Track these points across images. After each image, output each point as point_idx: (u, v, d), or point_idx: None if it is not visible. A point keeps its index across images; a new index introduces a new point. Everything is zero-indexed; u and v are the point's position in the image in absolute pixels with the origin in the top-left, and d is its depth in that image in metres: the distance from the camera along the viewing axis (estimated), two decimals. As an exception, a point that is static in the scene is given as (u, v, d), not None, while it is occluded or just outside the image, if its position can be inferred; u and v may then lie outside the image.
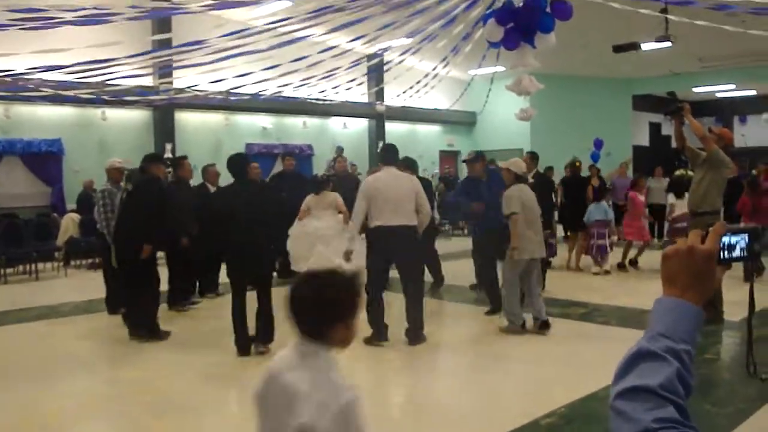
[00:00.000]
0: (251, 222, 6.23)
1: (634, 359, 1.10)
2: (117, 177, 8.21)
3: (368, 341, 6.58)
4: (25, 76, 9.92)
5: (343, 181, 10.30)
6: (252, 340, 6.37)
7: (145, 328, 6.97)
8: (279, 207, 6.75)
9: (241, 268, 6.37)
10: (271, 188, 9.56)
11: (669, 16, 10.61)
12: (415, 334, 6.65)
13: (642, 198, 11.38)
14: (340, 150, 16.09)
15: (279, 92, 12.82)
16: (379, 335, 6.59)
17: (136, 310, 7.11)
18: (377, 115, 19.19)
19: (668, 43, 12.16)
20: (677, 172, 13.42)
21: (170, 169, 9.70)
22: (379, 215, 6.47)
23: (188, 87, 12.68)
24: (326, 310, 1.90)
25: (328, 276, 1.97)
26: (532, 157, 9.76)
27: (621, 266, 10.76)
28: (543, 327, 7.01)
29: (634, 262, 10.88)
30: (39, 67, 9.24)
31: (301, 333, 1.93)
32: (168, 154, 14.12)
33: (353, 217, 6.73)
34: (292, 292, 1.94)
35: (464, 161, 8.95)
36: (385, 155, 6.93)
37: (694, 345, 1.12)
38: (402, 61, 13.80)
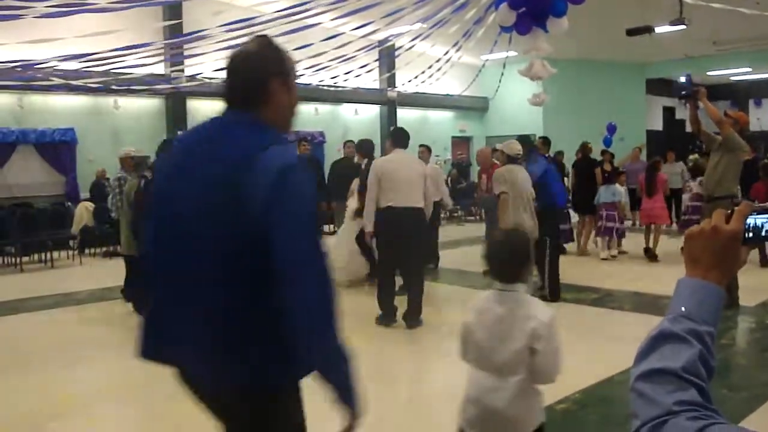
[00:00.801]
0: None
1: (656, 341, 1.08)
2: (130, 165, 8.31)
3: (378, 322, 6.76)
4: (39, 66, 9.96)
5: (349, 168, 10.29)
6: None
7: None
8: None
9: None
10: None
11: (683, -1, 10.50)
12: (413, 318, 6.71)
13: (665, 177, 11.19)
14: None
15: (302, 75, 12.76)
16: (387, 317, 6.70)
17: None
18: (389, 102, 19.13)
19: (683, 26, 12.03)
20: (691, 157, 13.32)
21: None
22: (388, 196, 6.50)
23: (198, 74, 12.69)
24: (518, 259, 2.69)
25: (512, 235, 2.83)
26: (544, 142, 9.76)
27: (647, 251, 10.42)
28: None
29: (649, 252, 10.44)
30: (55, 57, 9.28)
31: (501, 279, 2.69)
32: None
33: (367, 199, 6.77)
34: (490, 251, 2.80)
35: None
36: (396, 138, 6.93)
37: (716, 327, 1.11)
38: (413, 46, 13.74)
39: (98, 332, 7.08)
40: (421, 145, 9.67)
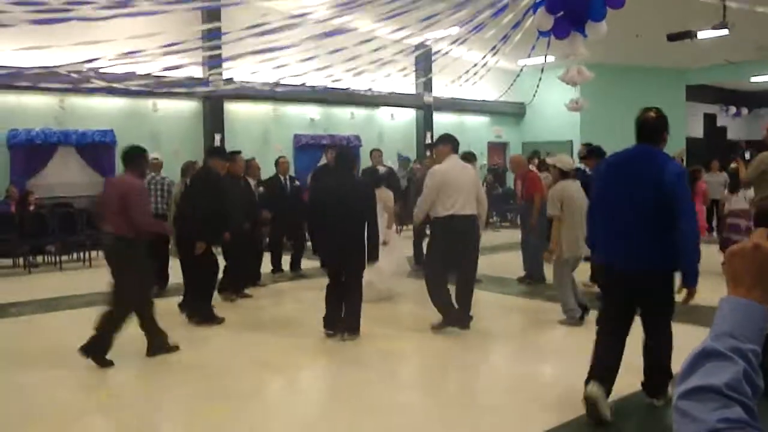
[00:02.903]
0: (347, 212, 6.38)
1: (699, 359, 1.06)
2: (156, 168, 9.14)
3: (436, 327, 6.68)
4: (81, 68, 10.14)
5: (374, 177, 10.28)
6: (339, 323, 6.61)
7: (199, 314, 7.17)
8: (371, 200, 6.71)
9: (335, 257, 6.53)
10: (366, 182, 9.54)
11: (727, 3, 10.29)
12: (465, 319, 6.71)
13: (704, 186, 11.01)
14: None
15: (338, 80, 12.77)
16: (452, 320, 6.64)
17: (193, 296, 7.35)
18: (425, 106, 19.10)
19: (725, 31, 11.80)
20: (732, 165, 13.06)
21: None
22: (451, 204, 6.47)
23: (232, 78, 12.81)
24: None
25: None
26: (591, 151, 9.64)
27: None
28: (585, 311, 7.02)
29: None
30: (92, 59, 9.45)
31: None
32: (216, 144, 14.32)
33: (420, 204, 6.72)
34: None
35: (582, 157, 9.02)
36: (454, 145, 6.86)
37: (761, 345, 1.08)
38: (450, 51, 13.71)
39: (135, 330, 7.14)
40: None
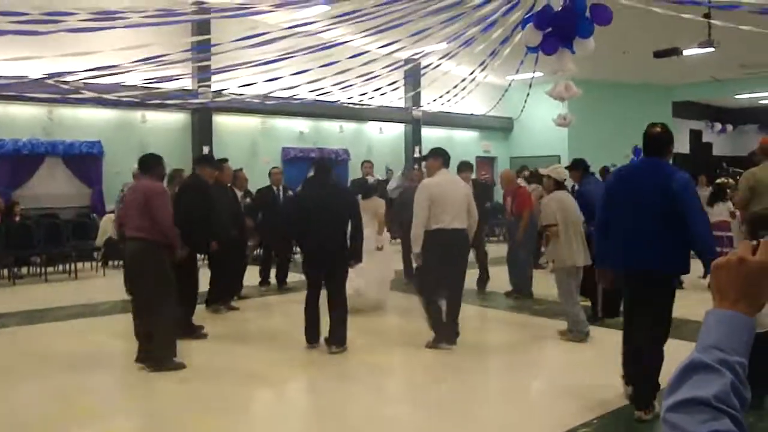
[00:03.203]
0: (329, 220, 6.43)
1: (686, 372, 1.07)
2: (137, 178, 8.84)
3: (430, 345, 6.61)
4: (69, 79, 10.12)
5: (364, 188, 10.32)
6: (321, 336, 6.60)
7: (180, 327, 6.98)
8: (351, 206, 6.79)
9: (317, 265, 6.55)
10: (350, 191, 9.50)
11: (713, 21, 10.40)
12: (455, 333, 6.69)
13: None
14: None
15: (325, 92, 12.81)
16: (444, 339, 6.60)
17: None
18: (413, 120, 19.16)
19: (711, 49, 11.93)
20: (718, 181, 13.19)
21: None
22: (440, 218, 6.46)
23: (224, 90, 12.83)
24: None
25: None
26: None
27: None
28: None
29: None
30: (85, 70, 9.43)
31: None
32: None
33: (416, 219, 6.59)
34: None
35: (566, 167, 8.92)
36: (444, 159, 6.82)
37: (747, 357, 1.09)
38: (439, 65, 13.77)
39: (120, 343, 7.11)
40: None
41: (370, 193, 8.77)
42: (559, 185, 7.02)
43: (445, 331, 6.62)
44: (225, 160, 9.19)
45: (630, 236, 4.65)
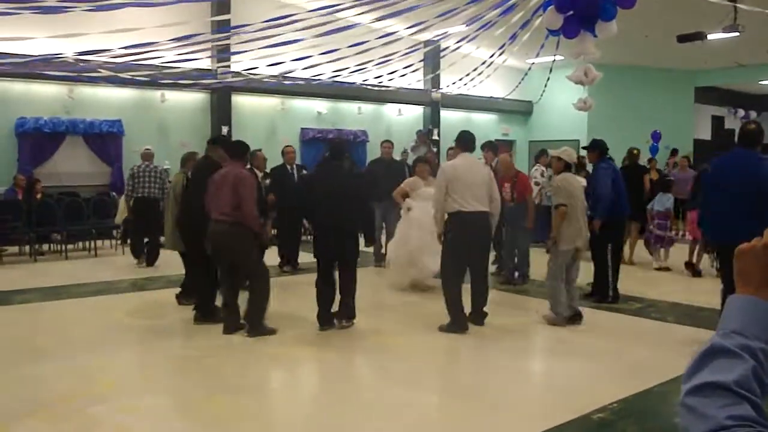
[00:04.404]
0: (340, 202, 6.46)
1: (706, 356, 1.06)
2: (149, 158, 10.57)
3: (443, 329, 6.62)
4: (90, 57, 10.15)
5: (390, 167, 10.29)
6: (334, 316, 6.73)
7: (200, 309, 6.98)
8: (362, 190, 6.86)
9: (326, 247, 6.60)
10: (362, 173, 9.46)
11: (739, 5, 10.24)
12: (480, 316, 6.78)
13: None
14: (425, 133, 16.20)
15: (334, 77, 12.81)
16: (458, 325, 6.60)
17: (196, 292, 7.20)
18: (432, 103, 19.07)
19: (736, 33, 11.76)
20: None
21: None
22: (459, 201, 6.49)
23: (245, 70, 12.81)
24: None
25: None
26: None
27: (688, 265, 10.06)
28: (575, 318, 6.96)
29: (692, 267, 10.02)
30: (105, 50, 9.46)
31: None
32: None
33: (435, 203, 6.75)
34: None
35: (584, 147, 8.84)
36: (464, 142, 6.87)
37: None
38: (458, 48, 13.68)
39: (138, 321, 7.20)
40: (451, 147, 9.83)
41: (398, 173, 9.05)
42: (568, 167, 7.07)
43: (460, 319, 6.62)
44: (258, 150, 9.22)
45: (723, 214, 5.66)
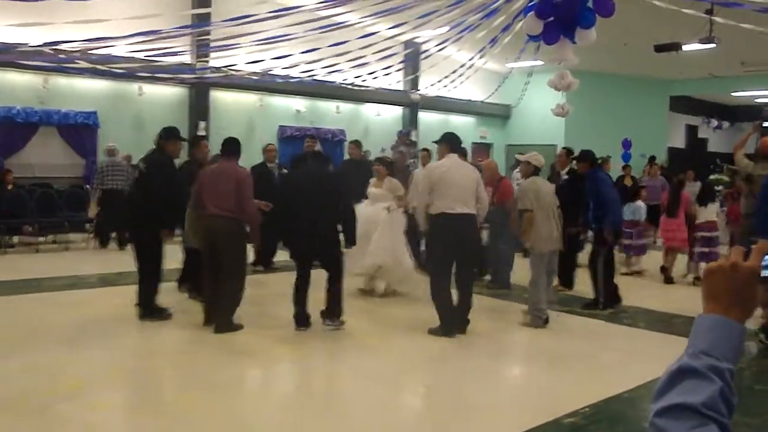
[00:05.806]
0: (318, 203, 6.44)
1: (675, 376, 1.07)
2: (114, 153, 11.70)
3: (433, 332, 6.55)
4: (66, 47, 10.02)
5: (359, 167, 10.22)
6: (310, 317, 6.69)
7: (146, 307, 6.80)
8: (341, 188, 6.84)
9: (305, 248, 6.59)
10: (339, 173, 9.39)
11: (715, 18, 10.39)
12: (464, 322, 6.66)
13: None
14: (404, 134, 16.24)
15: (314, 75, 12.78)
16: (446, 330, 6.52)
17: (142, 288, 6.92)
18: (411, 104, 19.10)
19: (712, 45, 11.92)
20: (711, 177, 13.19)
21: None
22: (443, 202, 6.43)
23: (225, 66, 12.74)
24: None
25: None
26: (567, 153, 9.65)
27: (663, 270, 10.13)
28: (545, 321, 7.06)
29: (665, 272, 10.11)
30: (83, 40, 9.33)
31: None
32: (201, 132, 14.22)
33: (418, 203, 6.75)
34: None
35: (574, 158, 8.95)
36: (451, 143, 6.81)
37: (737, 364, 1.10)
38: (440, 50, 13.72)
39: (109, 316, 7.10)
40: (423, 149, 10.13)
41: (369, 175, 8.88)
42: (536, 171, 7.20)
43: (449, 323, 6.53)
44: (203, 137, 9.12)
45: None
